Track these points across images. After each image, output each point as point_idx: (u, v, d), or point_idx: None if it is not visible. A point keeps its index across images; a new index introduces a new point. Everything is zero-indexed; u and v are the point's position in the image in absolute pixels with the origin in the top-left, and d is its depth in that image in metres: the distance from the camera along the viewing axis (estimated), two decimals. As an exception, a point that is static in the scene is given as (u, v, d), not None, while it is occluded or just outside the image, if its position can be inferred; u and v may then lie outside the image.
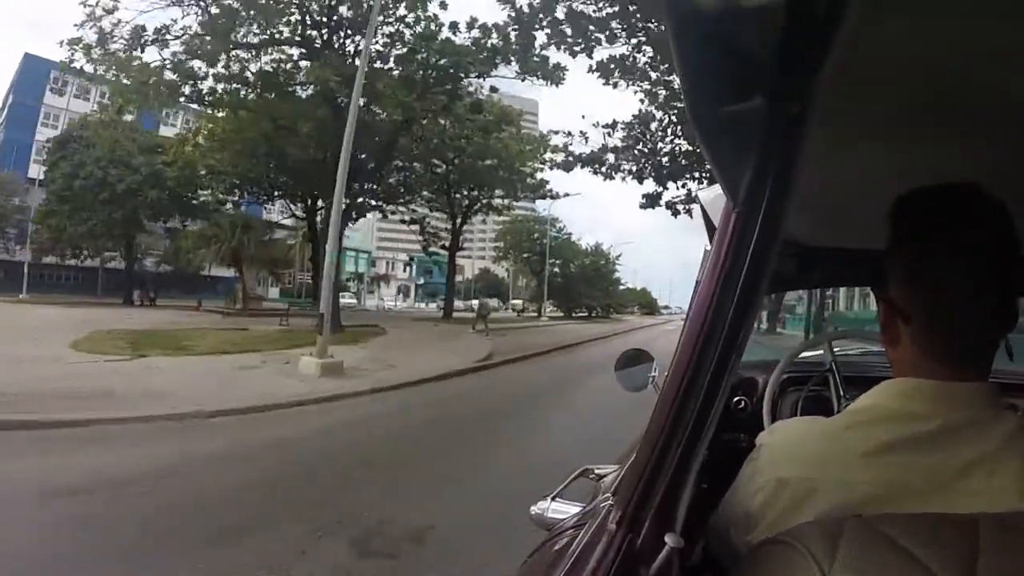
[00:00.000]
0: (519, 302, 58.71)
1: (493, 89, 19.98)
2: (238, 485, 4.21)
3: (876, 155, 0.79)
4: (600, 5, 12.72)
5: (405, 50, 17.56)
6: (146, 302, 29.87)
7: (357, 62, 12.87)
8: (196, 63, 16.92)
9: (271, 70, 17.99)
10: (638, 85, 13.61)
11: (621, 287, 58.42)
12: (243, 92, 18.32)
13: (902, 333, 0.69)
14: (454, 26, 17.27)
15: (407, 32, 17.67)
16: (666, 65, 12.62)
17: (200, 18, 16.32)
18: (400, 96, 16.35)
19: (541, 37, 14.76)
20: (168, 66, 16.44)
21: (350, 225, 21.32)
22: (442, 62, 17.22)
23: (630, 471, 0.74)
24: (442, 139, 22.62)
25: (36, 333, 12.16)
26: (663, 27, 0.45)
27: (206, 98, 18.23)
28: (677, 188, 14.31)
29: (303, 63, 17.74)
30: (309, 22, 17.38)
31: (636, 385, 1.69)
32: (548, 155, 24.07)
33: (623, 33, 12.91)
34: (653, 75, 13.33)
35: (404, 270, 71.27)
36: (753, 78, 0.53)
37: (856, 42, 0.49)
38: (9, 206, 32.02)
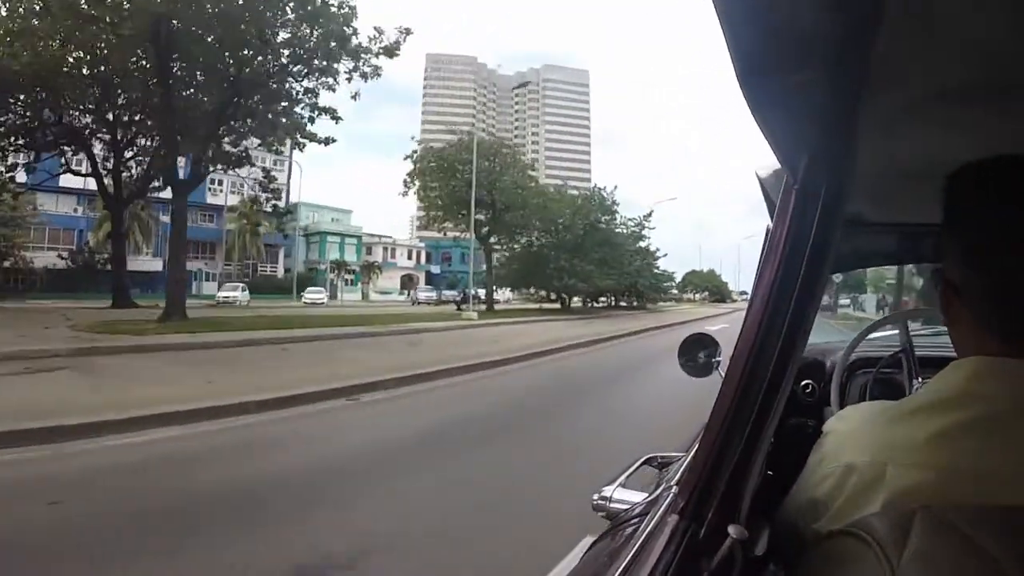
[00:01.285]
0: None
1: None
2: None
3: (940, 125, 0.75)
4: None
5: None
6: None
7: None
8: None
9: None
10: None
11: (655, 260, 38.21)
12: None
13: (962, 311, 0.65)
14: None
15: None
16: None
17: None
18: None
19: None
20: None
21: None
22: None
23: (693, 460, 0.74)
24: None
25: None
26: None
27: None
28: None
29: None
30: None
31: (700, 371, 1.67)
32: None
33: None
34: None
35: (410, 256, 58.96)
36: (808, 46, 0.52)
37: (917, 5, 0.48)
38: None
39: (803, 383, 1.59)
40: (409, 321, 18.38)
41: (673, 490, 0.77)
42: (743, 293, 78.12)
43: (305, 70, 15.55)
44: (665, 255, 45.16)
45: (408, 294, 50.52)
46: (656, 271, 39.31)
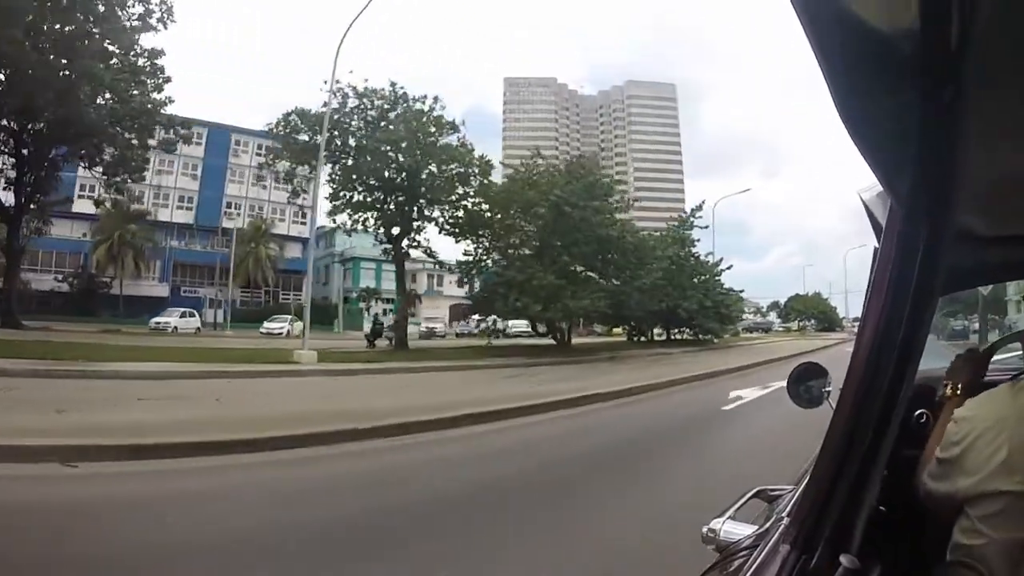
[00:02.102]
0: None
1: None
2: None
3: None
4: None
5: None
6: None
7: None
8: None
9: None
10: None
11: (717, 277, 27.68)
12: None
13: None
14: None
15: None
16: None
17: None
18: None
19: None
20: None
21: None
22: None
23: (805, 490, 0.74)
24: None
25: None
26: (800, 21, 0.48)
27: None
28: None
29: None
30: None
31: (810, 401, 1.62)
32: None
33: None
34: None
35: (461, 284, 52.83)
36: (900, 69, 0.53)
37: (1004, 16, 0.47)
38: None
39: (916, 412, 1.48)
40: (242, 361, 13.26)
41: (784, 521, 0.77)
42: (856, 320, 69.34)
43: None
44: (729, 267, 28.50)
45: (452, 326, 41.48)
46: (720, 291, 27.09)
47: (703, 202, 29.97)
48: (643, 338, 27.67)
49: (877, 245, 0.82)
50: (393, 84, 19.60)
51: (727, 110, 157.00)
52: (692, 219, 27.17)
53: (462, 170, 19.81)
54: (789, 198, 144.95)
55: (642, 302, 21.85)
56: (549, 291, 18.38)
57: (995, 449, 0.76)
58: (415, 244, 20.32)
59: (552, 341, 22.29)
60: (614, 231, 20.32)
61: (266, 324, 32.09)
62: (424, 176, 19.17)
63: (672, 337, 27.92)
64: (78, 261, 36.15)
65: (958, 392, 1.16)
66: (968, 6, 0.44)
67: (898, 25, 0.48)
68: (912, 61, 0.51)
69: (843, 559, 0.64)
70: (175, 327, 29.57)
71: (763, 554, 0.73)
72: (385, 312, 32.57)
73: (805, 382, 1.66)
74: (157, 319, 30.53)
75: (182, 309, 32.93)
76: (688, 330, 27.26)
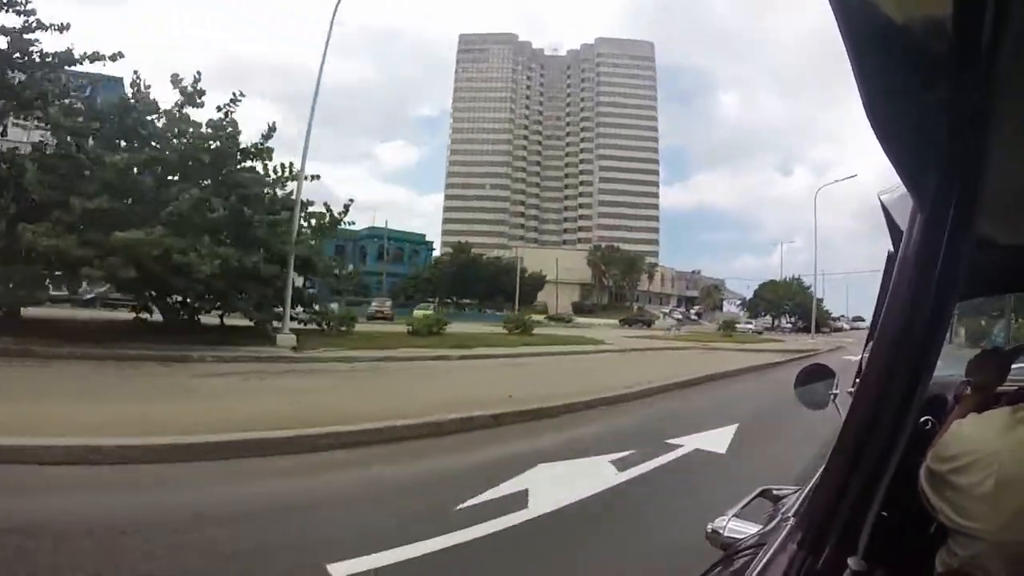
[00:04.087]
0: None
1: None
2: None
3: None
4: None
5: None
6: None
7: None
8: None
9: None
10: None
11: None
12: None
13: None
14: None
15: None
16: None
17: None
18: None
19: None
20: None
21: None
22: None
23: (813, 492, 0.74)
24: None
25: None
26: (835, 16, 0.47)
27: None
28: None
29: None
30: None
31: (816, 403, 1.64)
32: None
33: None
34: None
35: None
36: (932, 70, 0.52)
37: None
38: None
39: (923, 419, 1.47)
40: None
41: (791, 522, 0.78)
42: (858, 319, 54.57)
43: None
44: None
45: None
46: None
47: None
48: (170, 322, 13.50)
49: (891, 249, 0.81)
50: None
51: (746, 103, 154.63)
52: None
53: None
54: (802, 194, 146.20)
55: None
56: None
57: (981, 480, 0.73)
58: None
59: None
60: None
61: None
62: None
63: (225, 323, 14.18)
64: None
65: (978, 391, 1.13)
66: (1002, 9, 0.44)
67: (931, 25, 0.47)
68: (944, 62, 0.50)
69: (851, 562, 0.65)
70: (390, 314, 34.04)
71: (769, 553, 0.75)
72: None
73: (811, 383, 1.67)
74: (375, 306, 35.30)
75: (381, 297, 39.63)
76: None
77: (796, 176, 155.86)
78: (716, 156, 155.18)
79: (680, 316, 64.90)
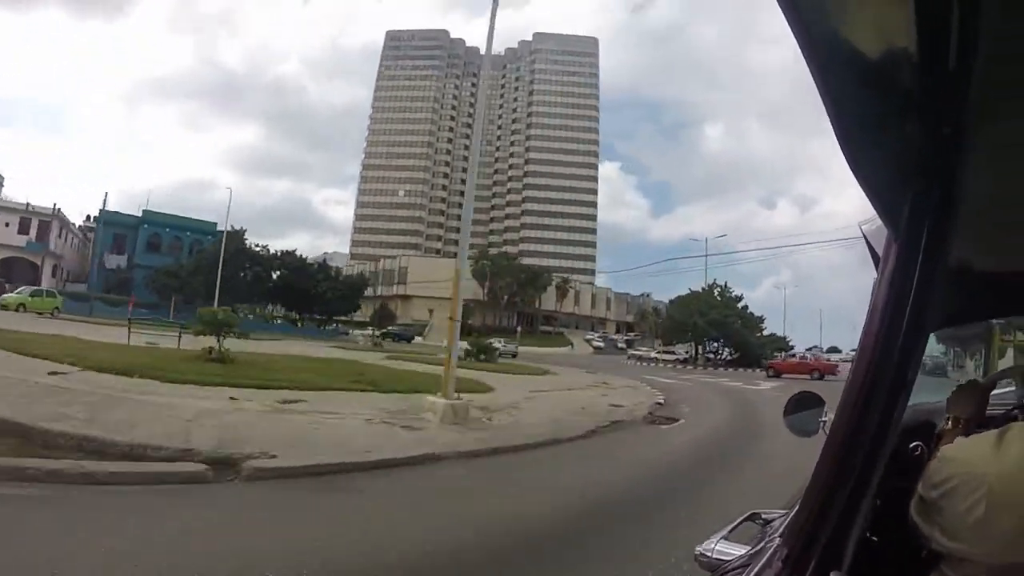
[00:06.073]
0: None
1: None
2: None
3: None
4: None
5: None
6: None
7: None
8: None
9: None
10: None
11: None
12: None
13: None
14: None
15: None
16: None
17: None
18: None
19: None
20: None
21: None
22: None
23: (797, 512, 0.76)
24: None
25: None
26: (799, 45, 0.47)
27: None
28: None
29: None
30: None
31: (806, 430, 1.63)
32: None
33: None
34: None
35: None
36: (901, 104, 0.53)
37: (1003, 56, 0.47)
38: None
39: (911, 444, 1.45)
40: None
41: (776, 541, 0.79)
42: (813, 348, 45.34)
43: None
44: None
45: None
46: None
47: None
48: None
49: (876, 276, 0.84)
50: None
51: (729, 136, 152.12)
52: None
53: None
54: (784, 228, 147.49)
55: None
56: None
57: (973, 503, 0.70)
58: None
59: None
60: None
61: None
62: None
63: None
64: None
65: (959, 425, 1.11)
66: (967, 39, 0.44)
67: (898, 60, 0.48)
68: (912, 96, 0.51)
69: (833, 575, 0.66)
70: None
71: (755, 571, 0.75)
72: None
73: (800, 411, 1.66)
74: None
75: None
76: None
77: (779, 209, 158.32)
78: (699, 189, 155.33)
79: (600, 342, 59.83)
